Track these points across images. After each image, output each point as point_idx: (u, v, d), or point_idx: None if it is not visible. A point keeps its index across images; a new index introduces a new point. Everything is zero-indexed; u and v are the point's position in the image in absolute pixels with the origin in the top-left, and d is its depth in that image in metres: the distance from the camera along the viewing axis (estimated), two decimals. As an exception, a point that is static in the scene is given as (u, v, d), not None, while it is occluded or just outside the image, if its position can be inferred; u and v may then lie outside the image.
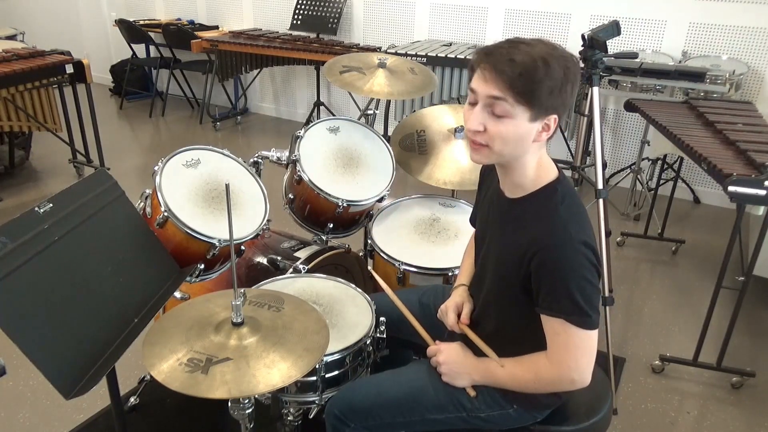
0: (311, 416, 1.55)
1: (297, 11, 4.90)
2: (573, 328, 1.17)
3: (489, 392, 1.34)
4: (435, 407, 1.35)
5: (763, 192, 1.90)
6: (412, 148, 2.24)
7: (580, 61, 2.28)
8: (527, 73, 1.09)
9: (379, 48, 4.49)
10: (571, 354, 1.20)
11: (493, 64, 1.11)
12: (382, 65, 2.22)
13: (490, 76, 1.12)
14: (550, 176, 1.23)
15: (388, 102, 4.18)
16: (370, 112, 2.38)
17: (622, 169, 3.93)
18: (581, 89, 2.45)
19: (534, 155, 1.21)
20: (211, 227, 1.65)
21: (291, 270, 1.88)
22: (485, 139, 1.16)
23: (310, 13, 4.85)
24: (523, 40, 1.14)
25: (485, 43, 4.34)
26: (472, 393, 1.34)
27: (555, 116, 1.16)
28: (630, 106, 2.86)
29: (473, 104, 1.17)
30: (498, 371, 1.30)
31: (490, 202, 1.37)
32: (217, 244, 1.64)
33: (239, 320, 1.20)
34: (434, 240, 2.04)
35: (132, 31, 5.32)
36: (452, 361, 1.35)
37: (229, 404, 1.30)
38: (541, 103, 1.12)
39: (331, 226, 2.06)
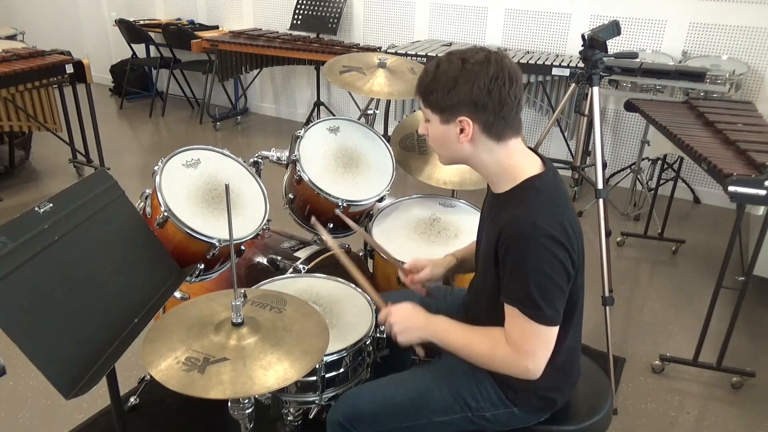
0: (311, 416, 1.55)
1: (297, 11, 4.90)
2: (526, 319, 1.18)
3: (494, 391, 1.34)
4: (441, 408, 1.35)
5: (763, 192, 1.90)
6: (412, 148, 2.24)
7: (582, 62, 2.28)
8: (422, 77, 1.23)
9: (379, 48, 4.49)
10: (527, 341, 1.21)
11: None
12: (382, 65, 2.21)
13: None
14: (532, 171, 1.25)
15: (388, 102, 4.18)
16: (370, 112, 2.38)
17: (622, 169, 3.94)
18: (581, 89, 2.44)
19: (488, 155, 1.25)
20: (211, 227, 1.65)
21: (291, 270, 1.88)
22: (429, 141, 1.31)
23: (310, 13, 4.85)
24: (452, 51, 1.22)
25: (485, 43, 4.35)
26: (421, 353, 1.33)
27: (465, 118, 1.19)
28: (630, 106, 2.86)
29: None
30: (452, 332, 1.30)
31: (487, 199, 1.42)
32: (217, 244, 1.64)
33: (239, 320, 1.20)
34: (434, 240, 2.04)
35: (132, 31, 5.32)
36: (402, 317, 1.35)
37: (229, 404, 1.30)
38: (438, 103, 1.21)
39: (331, 226, 2.06)
